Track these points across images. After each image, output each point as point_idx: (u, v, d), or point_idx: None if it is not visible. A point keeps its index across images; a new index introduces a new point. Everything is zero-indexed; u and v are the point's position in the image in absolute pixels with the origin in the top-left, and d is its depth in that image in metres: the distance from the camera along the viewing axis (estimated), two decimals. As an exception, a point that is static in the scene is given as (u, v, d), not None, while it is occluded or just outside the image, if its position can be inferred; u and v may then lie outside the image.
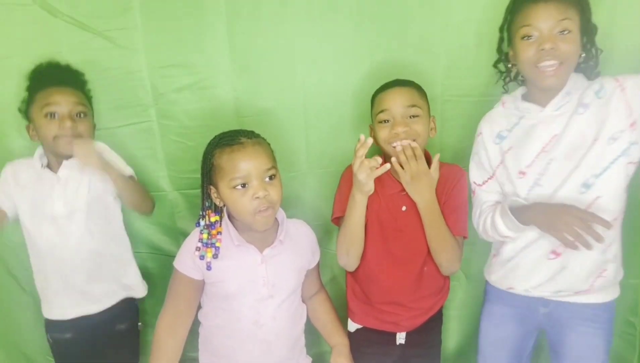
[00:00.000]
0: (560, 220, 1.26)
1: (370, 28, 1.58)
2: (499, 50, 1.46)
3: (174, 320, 1.38)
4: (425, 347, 1.56)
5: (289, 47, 1.58)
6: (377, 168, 1.33)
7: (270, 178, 1.31)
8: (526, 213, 1.33)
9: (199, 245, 1.35)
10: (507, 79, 1.49)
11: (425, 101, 1.46)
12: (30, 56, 1.51)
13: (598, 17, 1.35)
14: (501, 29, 1.43)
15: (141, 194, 1.54)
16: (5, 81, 1.53)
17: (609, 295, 1.41)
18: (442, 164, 1.49)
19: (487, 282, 1.57)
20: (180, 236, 1.74)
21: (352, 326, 1.58)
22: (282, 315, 1.39)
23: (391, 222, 1.48)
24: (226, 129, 1.45)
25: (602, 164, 1.29)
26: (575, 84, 1.33)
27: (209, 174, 1.33)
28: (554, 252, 1.37)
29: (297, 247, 1.44)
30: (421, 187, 1.40)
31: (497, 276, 1.50)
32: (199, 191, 1.67)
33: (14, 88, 1.51)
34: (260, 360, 1.38)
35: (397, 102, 1.41)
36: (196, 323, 1.45)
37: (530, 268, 1.41)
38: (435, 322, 1.59)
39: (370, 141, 1.31)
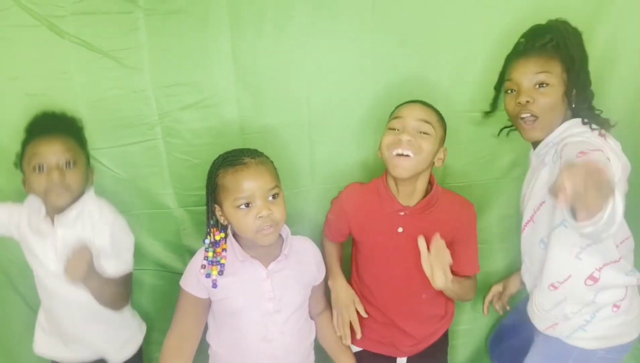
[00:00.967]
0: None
1: (374, 44, 1.58)
2: (493, 105, 1.54)
3: (181, 340, 1.39)
4: None
5: (293, 64, 1.59)
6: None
7: (274, 196, 1.32)
8: None
9: (204, 262, 1.36)
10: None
11: (441, 128, 1.46)
12: (37, 77, 1.52)
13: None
14: (495, 87, 1.51)
15: (113, 301, 1.47)
16: (13, 102, 1.54)
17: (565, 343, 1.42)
18: (448, 194, 1.48)
19: None
20: (186, 253, 1.74)
21: (352, 349, 1.57)
22: (290, 330, 1.39)
23: (387, 242, 1.48)
24: (231, 147, 1.46)
25: (548, 228, 1.35)
26: (561, 134, 1.34)
27: (213, 193, 1.36)
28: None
29: (302, 262, 1.45)
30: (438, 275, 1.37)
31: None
32: (204, 208, 1.67)
33: (22, 109, 1.53)
34: None
35: (412, 113, 1.41)
36: (205, 345, 1.45)
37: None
38: (439, 346, 1.57)
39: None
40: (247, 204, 1.29)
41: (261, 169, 1.32)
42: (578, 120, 1.35)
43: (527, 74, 1.34)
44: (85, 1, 1.50)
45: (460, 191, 1.63)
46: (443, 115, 1.55)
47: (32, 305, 1.73)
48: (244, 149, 1.39)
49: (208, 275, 1.35)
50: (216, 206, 1.36)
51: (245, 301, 1.36)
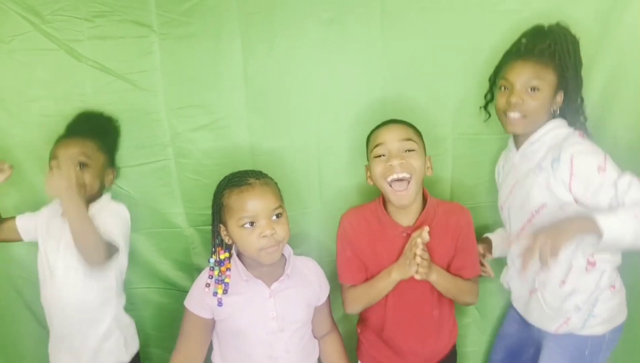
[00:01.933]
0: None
1: (383, 67, 1.62)
2: (486, 96, 1.59)
3: (186, 361, 1.41)
4: None
5: (303, 87, 1.63)
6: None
7: (277, 216, 1.35)
8: None
9: (209, 281, 1.38)
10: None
11: (420, 138, 1.48)
12: (54, 99, 1.58)
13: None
14: (490, 79, 1.56)
15: (92, 245, 1.40)
16: (30, 122, 1.60)
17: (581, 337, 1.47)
18: (442, 204, 1.50)
19: None
20: (195, 272, 1.75)
21: None
22: (295, 348, 1.40)
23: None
24: (241, 168, 1.49)
25: None
26: (545, 135, 1.44)
27: (218, 213, 1.39)
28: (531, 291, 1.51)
29: (305, 281, 1.46)
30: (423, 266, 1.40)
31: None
32: (214, 227, 1.71)
33: (38, 130, 1.58)
34: None
35: (392, 136, 1.43)
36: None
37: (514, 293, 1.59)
38: (449, 361, 1.57)
39: (427, 238, 1.37)
40: (251, 224, 1.32)
41: (265, 189, 1.35)
42: (563, 121, 1.46)
43: (522, 77, 1.42)
44: (102, 26, 1.56)
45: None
46: (450, 138, 1.58)
47: (43, 323, 1.74)
48: (249, 170, 1.42)
49: (215, 294, 1.37)
50: (221, 225, 1.39)
51: (249, 320, 1.37)
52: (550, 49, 1.44)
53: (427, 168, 1.47)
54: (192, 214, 1.73)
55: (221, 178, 1.62)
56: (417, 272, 1.38)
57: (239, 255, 1.41)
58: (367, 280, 1.51)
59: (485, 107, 1.60)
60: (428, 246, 1.42)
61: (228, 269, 1.39)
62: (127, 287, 1.65)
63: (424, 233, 1.38)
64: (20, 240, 1.58)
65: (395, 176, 1.39)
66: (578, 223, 1.25)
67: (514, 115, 1.43)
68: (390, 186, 1.41)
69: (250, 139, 1.66)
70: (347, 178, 1.70)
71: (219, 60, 1.59)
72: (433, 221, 1.46)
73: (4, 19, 1.54)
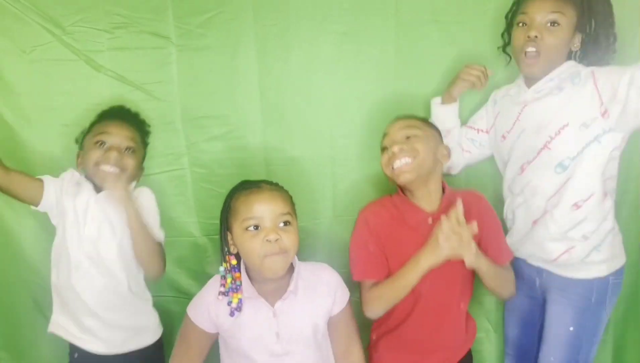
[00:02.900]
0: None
1: (396, 77, 1.64)
2: (503, 35, 1.57)
3: None
4: None
5: (317, 98, 1.65)
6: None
7: (285, 223, 1.28)
8: None
9: (222, 289, 1.31)
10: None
11: (429, 127, 1.48)
12: (73, 108, 1.60)
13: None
14: (506, 16, 1.54)
15: (152, 252, 1.48)
16: (49, 131, 1.62)
17: (581, 273, 1.46)
18: (459, 193, 1.47)
19: None
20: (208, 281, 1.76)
21: None
22: None
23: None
24: (255, 178, 1.49)
25: (576, 149, 1.39)
26: (562, 73, 1.44)
27: (226, 218, 1.33)
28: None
29: (314, 295, 1.35)
30: (462, 244, 1.32)
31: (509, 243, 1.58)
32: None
33: (58, 139, 1.60)
34: None
35: (395, 127, 1.46)
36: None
37: (515, 228, 1.56)
38: None
39: (461, 210, 1.32)
40: (256, 227, 1.26)
41: (274, 194, 1.30)
42: (579, 64, 1.45)
43: (542, 11, 1.40)
44: (121, 37, 1.59)
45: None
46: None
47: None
48: (263, 179, 1.38)
49: (230, 303, 1.30)
50: (228, 233, 1.33)
51: (250, 341, 1.30)
52: None
53: (442, 155, 1.46)
54: (205, 224, 1.74)
55: None
56: (462, 254, 1.30)
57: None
58: (389, 276, 1.42)
59: (504, 49, 1.58)
60: None
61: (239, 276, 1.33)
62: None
63: (459, 206, 1.31)
64: (34, 204, 1.46)
65: (396, 164, 1.40)
66: None
67: (531, 50, 1.41)
68: (392, 169, 1.42)
69: (265, 150, 1.67)
70: (361, 189, 1.71)
71: (235, 71, 1.62)
72: (453, 206, 1.41)
73: (26, 30, 1.57)
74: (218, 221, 1.69)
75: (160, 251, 1.53)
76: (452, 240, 1.30)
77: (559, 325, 1.50)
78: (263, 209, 1.26)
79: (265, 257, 1.24)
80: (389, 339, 1.52)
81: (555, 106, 1.42)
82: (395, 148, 1.40)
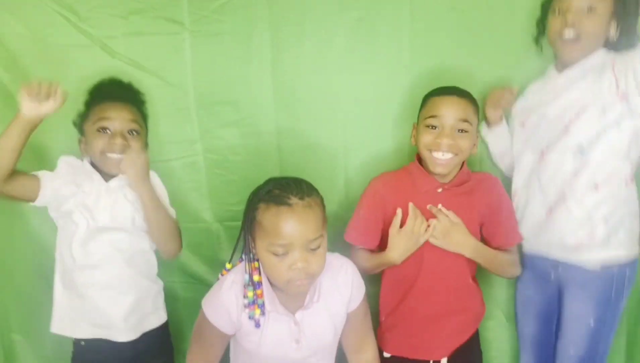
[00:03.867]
0: None
1: (411, 65, 1.62)
2: (538, 25, 1.55)
3: None
4: None
5: (331, 85, 1.64)
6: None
7: (315, 247, 1.19)
8: None
9: (246, 302, 1.25)
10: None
11: (477, 116, 1.47)
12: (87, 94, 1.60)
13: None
14: (542, 5, 1.54)
15: (170, 230, 1.48)
16: (63, 117, 1.61)
17: (599, 258, 1.44)
18: (474, 174, 1.50)
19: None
20: (221, 267, 1.74)
21: (384, 355, 1.53)
22: None
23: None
24: (268, 165, 1.51)
25: (595, 131, 1.40)
26: (594, 60, 1.44)
27: (250, 226, 1.23)
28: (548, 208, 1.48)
29: (334, 301, 1.32)
30: (457, 238, 1.43)
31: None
32: (238, 223, 1.70)
33: (72, 127, 1.58)
34: None
35: (449, 112, 1.40)
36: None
37: (528, 221, 1.53)
38: (472, 347, 1.54)
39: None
40: (284, 251, 1.17)
41: (308, 214, 1.17)
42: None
43: None
44: (136, 23, 1.59)
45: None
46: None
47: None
48: (292, 181, 1.22)
49: (251, 317, 1.25)
50: (250, 238, 1.24)
51: (269, 348, 1.28)
52: None
53: (474, 145, 1.47)
54: (218, 210, 1.75)
55: (247, 174, 1.66)
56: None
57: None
58: (374, 248, 1.52)
59: (537, 39, 1.57)
60: (460, 206, 1.44)
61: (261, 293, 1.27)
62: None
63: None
64: (31, 200, 1.40)
65: (440, 155, 1.40)
66: None
67: (569, 34, 1.41)
68: (431, 154, 1.42)
69: (278, 136, 1.67)
70: (373, 177, 1.68)
71: (249, 58, 1.61)
72: (468, 182, 1.47)
73: (41, 16, 1.58)
74: (230, 209, 1.72)
75: (177, 228, 1.53)
76: (409, 237, 1.41)
77: (579, 320, 1.49)
78: (293, 234, 1.15)
79: (289, 282, 1.19)
80: (397, 312, 1.52)
81: (577, 91, 1.44)
82: (445, 141, 1.39)
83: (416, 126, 1.49)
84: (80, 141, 1.50)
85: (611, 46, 1.45)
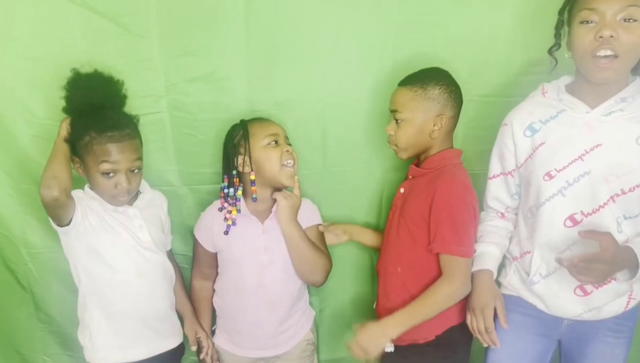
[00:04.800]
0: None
1: (395, 21, 1.52)
2: (557, 35, 1.34)
3: (202, 279, 1.66)
4: None
5: (309, 38, 1.52)
6: None
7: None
8: None
9: (224, 202, 1.53)
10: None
11: (422, 100, 1.41)
12: (39, 40, 1.45)
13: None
14: (561, 12, 1.32)
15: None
16: (12, 65, 1.47)
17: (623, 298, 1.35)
18: (448, 172, 1.43)
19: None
20: (188, 234, 1.67)
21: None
22: (282, 278, 1.55)
23: (396, 202, 1.54)
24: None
25: (593, 205, 1.26)
26: (635, 86, 1.25)
27: (240, 141, 1.50)
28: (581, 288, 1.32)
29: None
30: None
31: (516, 281, 1.42)
32: (209, 186, 1.62)
33: (21, 73, 1.47)
34: (266, 318, 1.56)
35: (392, 103, 1.47)
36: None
37: (555, 296, 1.36)
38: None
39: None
40: (276, 142, 1.49)
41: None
42: None
43: (615, 4, 1.17)
44: (94, -37, 1.43)
45: (477, 178, 1.55)
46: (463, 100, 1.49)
47: (23, 284, 1.69)
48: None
49: (225, 219, 1.52)
50: (240, 156, 1.50)
51: (242, 252, 1.53)
52: None
53: (433, 130, 1.45)
54: (186, 173, 1.64)
55: (218, 134, 1.58)
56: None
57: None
58: None
59: (551, 50, 1.36)
60: (411, 195, 1.48)
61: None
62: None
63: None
64: (65, 222, 1.38)
65: (393, 147, 1.49)
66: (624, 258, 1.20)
67: (605, 53, 1.18)
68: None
69: (250, 92, 1.56)
70: (352, 139, 1.62)
71: (219, 3, 1.47)
72: (425, 175, 1.47)
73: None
74: (199, 171, 1.63)
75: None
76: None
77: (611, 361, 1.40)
78: (278, 130, 1.52)
79: (283, 167, 1.49)
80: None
81: (627, 144, 1.24)
82: (390, 131, 1.46)
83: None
84: (73, 161, 1.41)
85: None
